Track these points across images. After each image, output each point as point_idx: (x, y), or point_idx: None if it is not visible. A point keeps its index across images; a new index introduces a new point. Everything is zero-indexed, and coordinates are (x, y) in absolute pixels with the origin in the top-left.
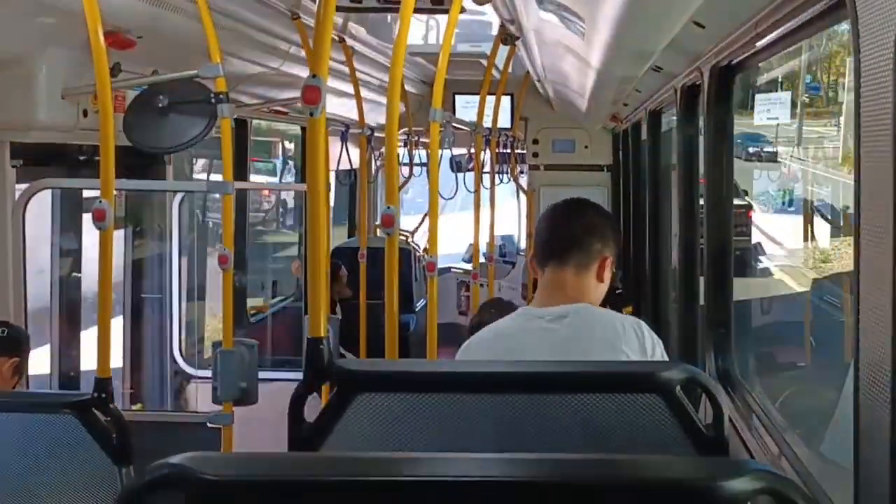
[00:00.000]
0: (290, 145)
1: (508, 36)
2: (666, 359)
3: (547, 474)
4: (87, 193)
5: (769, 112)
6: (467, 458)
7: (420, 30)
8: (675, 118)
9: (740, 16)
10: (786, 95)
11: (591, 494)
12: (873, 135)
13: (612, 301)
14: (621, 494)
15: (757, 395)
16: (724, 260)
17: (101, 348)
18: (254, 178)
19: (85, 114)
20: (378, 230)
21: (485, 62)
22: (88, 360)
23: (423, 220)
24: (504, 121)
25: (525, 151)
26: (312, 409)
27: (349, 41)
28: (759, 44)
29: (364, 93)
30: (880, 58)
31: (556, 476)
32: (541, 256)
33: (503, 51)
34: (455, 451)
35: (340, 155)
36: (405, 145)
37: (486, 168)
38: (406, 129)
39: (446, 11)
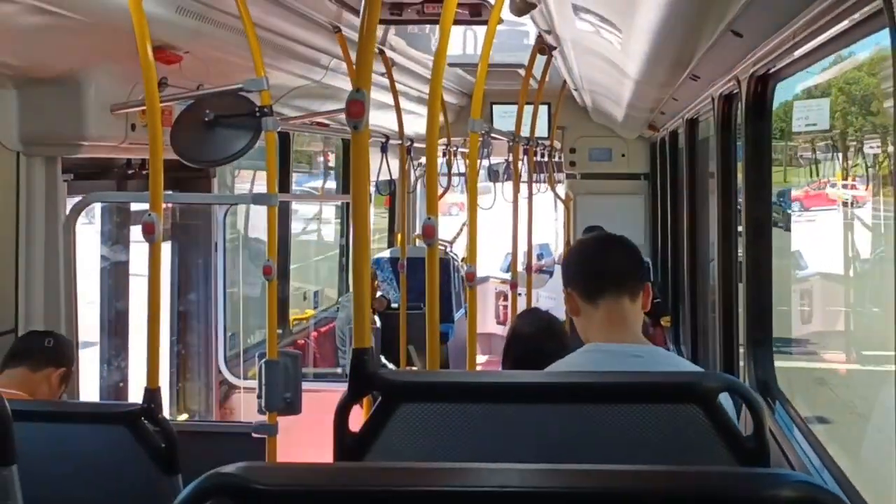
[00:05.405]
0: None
1: (546, 46)
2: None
3: (588, 485)
4: (133, 206)
5: None
6: (510, 468)
7: (457, 40)
8: (713, 126)
9: (778, 25)
10: None
11: None
12: None
13: (650, 311)
14: None
15: (797, 404)
16: (763, 270)
17: (151, 359)
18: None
19: (133, 128)
20: (417, 240)
21: (521, 72)
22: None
23: (461, 230)
24: (541, 130)
25: (562, 160)
26: (353, 416)
27: (389, 53)
28: (798, 53)
29: (403, 103)
30: None
31: (597, 487)
32: (591, 290)
33: (540, 60)
34: (496, 461)
35: (381, 166)
36: (444, 155)
37: (524, 177)
38: (445, 139)
39: (485, 23)
